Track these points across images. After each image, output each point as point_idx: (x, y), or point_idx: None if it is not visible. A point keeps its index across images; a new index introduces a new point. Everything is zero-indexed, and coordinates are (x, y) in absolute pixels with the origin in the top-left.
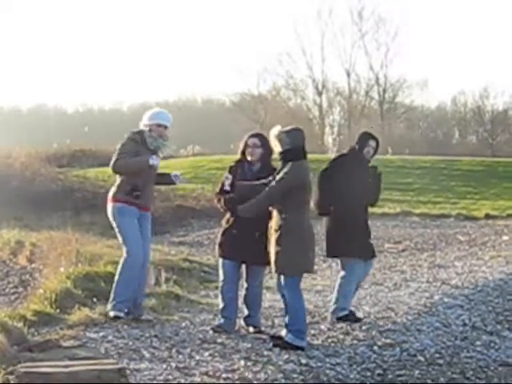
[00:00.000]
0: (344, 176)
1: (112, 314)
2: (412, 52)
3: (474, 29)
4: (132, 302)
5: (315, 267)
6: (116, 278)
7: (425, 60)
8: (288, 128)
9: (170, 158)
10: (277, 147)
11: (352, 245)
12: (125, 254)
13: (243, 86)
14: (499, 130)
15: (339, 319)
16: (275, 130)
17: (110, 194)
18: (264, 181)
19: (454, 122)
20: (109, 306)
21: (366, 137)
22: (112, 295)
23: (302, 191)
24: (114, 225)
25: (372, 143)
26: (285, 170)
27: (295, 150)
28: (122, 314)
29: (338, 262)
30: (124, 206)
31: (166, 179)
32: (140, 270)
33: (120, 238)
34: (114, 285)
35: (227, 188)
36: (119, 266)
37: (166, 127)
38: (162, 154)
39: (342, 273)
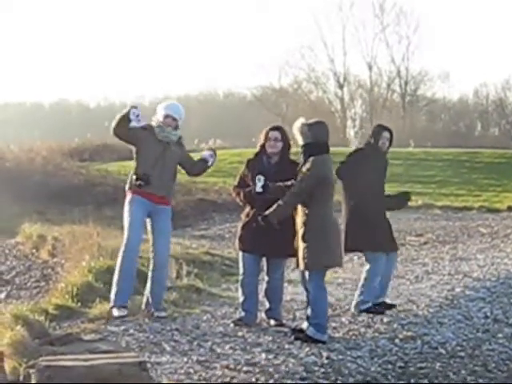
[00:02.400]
0: (363, 169)
1: (116, 313)
2: (433, 44)
3: (495, 20)
4: (131, 292)
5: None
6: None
7: (446, 52)
8: (311, 121)
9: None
10: (299, 140)
11: (375, 238)
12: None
13: (265, 80)
14: None
15: (362, 312)
16: (298, 123)
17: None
18: (294, 182)
19: (476, 115)
20: (111, 301)
21: (380, 129)
22: (112, 288)
23: (325, 186)
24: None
25: (386, 134)
26: (307, 166)
27: (317, 144)
28: (125, 313)
29: (360, 254)
30: (132, 197)
31: (200, 165)
32: (135, 258)
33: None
34: (114, 276)
35: (259, 190)
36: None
37: (174, 119)
38: (168, 142)
39: (367, 266)
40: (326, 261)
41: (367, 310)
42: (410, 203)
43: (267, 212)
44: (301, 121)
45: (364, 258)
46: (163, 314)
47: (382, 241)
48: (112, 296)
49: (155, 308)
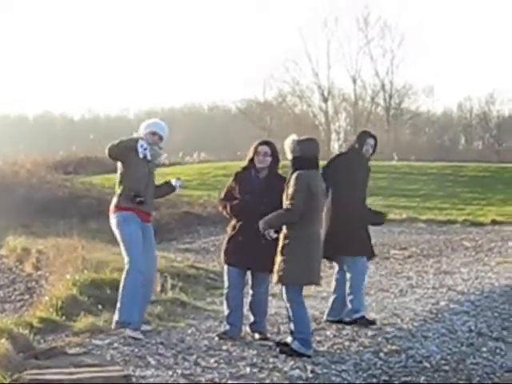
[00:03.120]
0: (345, 174)
1: (130, 333)
2: (418, 58)
3: (479, 35)
4: (139, 315)
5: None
6: (120, 291)
7: (431, 66)
8: (302, 138)
9: (175, 164)
10: (288, 155)
11: (354, 242)
12: (127, 266)
13: (249, 93)
14: (505, 136)
15: (355, 320)
16: (289, 140)
17: (113, 204)
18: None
19: (459, 128)
20: (118, 320)
21: (365, 135)
22: (119, 310)
23: (310, 200)
24: (118, 234)
25: (371, 141)
26: (292, 181)
27: (304, 159)
28: (140, 336)
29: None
30: (129, 214)
31: (165, 189)
32: (142, 281)
33: (122, 248)
34: (120, 299)
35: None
36: (122, 278)
37: (160, 137)
38: (156, 162)
39: (349, 274)
40: (303, 278)
41: (359, 320)
42: (394, 216)
43: (261, 221)
44: (292, 137)
45: (340, 268)
46: (148, 327)
47: (362, 245)
48: (121, 318)
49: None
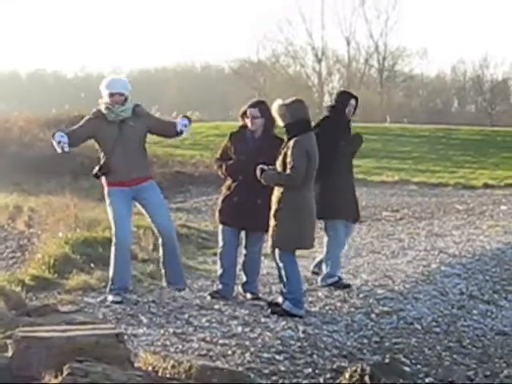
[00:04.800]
0: (328, 139)
1: (110, 298)
2: (412, 20)
3: None
4: (125, 282)
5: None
6: (111, 261)
7: (425, 29)
8: (288, 101)
9: None
10: (279, 122)
11: (334, 205)
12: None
13: (243, 53)
14: (498, 100)
15: (328, 285)
16: (276, 105)
17: None
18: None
19: (453, 91)
20: (107, 291)
21: (347, 96)
22: (111, 279)
23: (308, 165)
24: None
25: (353, 102)
26: (290, 150)
27: (298, 123)
28: (119, 299)
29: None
30: (109, 189)
31: (169, 130)
32: (127, 252)
33: None
34: (111, 268)
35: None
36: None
37: (121, 94)
38: (123, 120)
39: (326, 238)
40: (295, 242)
41: (333, 284)
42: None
43: (264, 172)
44: (278, 102)
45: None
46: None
47: (343, 208)
48: (109, 282)
49: (173, 282)
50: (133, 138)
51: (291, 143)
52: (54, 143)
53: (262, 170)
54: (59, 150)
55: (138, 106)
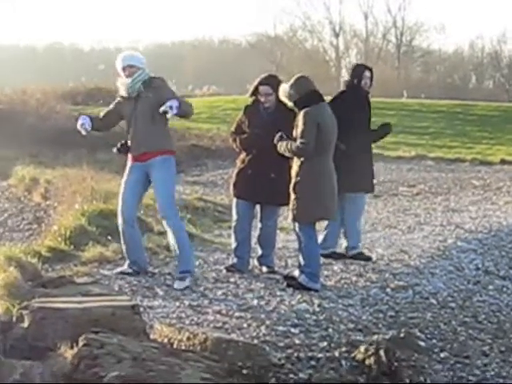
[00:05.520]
0: (345, 112)
1: (118, 269)
2: None
3: None
4: (136, 259)
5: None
6: None
7: (443, 4)
8: (291, 80)
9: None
10: (288, 103)
11: (357, 180)
12: None
13: (260, 27)
14: None
15: (351, 258)
16: (281, 89)
17: None
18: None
19: (470, 67)
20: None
21: (361, 69)
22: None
23: (319, 136)
24: None
25: (367, 74)
26: (300, 121)
27: (304, 96)
28: (128, 270)
29: None
30: (127, 162)
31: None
32: (128, 224)
33: None
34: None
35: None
36: None
37: (131, 66)
38: (135, 93)
39: (346, 211)
40: (315, 214)
41: (356, 256)
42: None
43: (280, 141)
44: (283, 87)
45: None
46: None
47: (363, 181)
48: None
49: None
50: (146, 111)
51: (301, 115)
52: (78, 126)
53: (281, 137)
54: (83, 132)
55: (157, 79)
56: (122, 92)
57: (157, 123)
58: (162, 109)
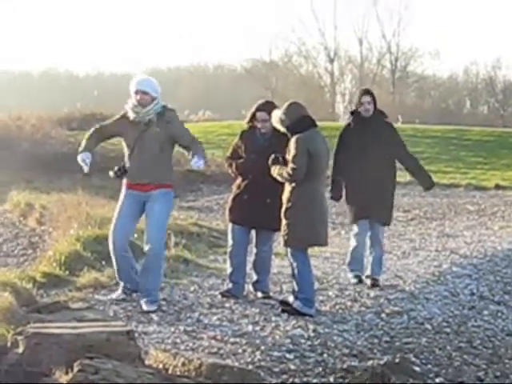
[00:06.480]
0: (346, 143)
1: (112, 295)
2: (424, 21)
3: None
4: (128, 281)
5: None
6: None
7: (437, 29)
8: (283, 106)
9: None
10: (281, 129)
11: (351, 210)
12: None
13: (255, 53)
14: (510, 101)
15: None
16: (274, 116)
17: None
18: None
19: (465, 92)
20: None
21: (359, 94)
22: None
23: (310, 162)
24: None
25: (366, 98)
26: (291, 146)
27: (296, 123)
28: (122, 296)
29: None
30: (123, 189)
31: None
32: (120, 252)
33: None
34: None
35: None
36: None
37: (145, 93)
38: (148, 122)
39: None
40: (306, 240)
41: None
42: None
43: (274, 166)
44: (275, 113)
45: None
46: (152, 307)
47: (356, 211)
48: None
49: (143, 295)
50: (153, 143)
51: (292, 140)
52: (79, 161)
53: (276, 159)
54: (86, 169)
55: (170, 111)
56: (131, 115)
57: (164, 156)
58: (192, 165)
